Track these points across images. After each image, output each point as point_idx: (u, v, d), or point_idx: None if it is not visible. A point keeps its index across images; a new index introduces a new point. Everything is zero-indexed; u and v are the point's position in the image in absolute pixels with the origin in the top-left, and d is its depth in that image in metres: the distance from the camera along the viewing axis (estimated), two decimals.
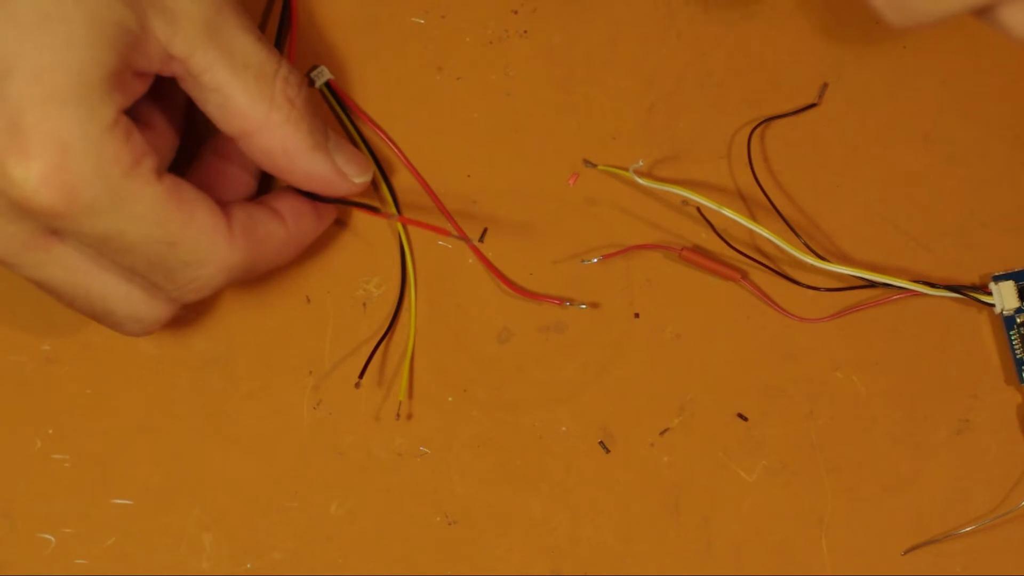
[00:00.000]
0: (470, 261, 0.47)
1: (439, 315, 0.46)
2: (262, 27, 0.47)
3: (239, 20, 0.40)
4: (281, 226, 0.42)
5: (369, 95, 0.47)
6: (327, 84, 0.47)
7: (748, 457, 0.46)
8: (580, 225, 0.47)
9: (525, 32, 0.48)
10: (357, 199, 0.44)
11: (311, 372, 0.46)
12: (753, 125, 0.47)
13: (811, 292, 0.47)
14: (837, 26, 0.48)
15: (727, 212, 0.45)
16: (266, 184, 0.45)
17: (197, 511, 0.45)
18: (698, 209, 0.47)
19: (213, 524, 0.45)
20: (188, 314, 0.45)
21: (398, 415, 0.46)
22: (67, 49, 0.36)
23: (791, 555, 0.46)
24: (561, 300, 0.46)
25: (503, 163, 0.47)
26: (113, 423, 0.45)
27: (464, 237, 0.46)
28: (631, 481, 0.46)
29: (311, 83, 0.47)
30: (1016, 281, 0.46)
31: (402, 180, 0.47)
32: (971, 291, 0.46)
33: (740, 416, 0.46)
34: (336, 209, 0.45)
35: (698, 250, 0.47)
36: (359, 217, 0.46)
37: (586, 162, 0.47)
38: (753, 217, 0.47)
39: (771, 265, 0.47)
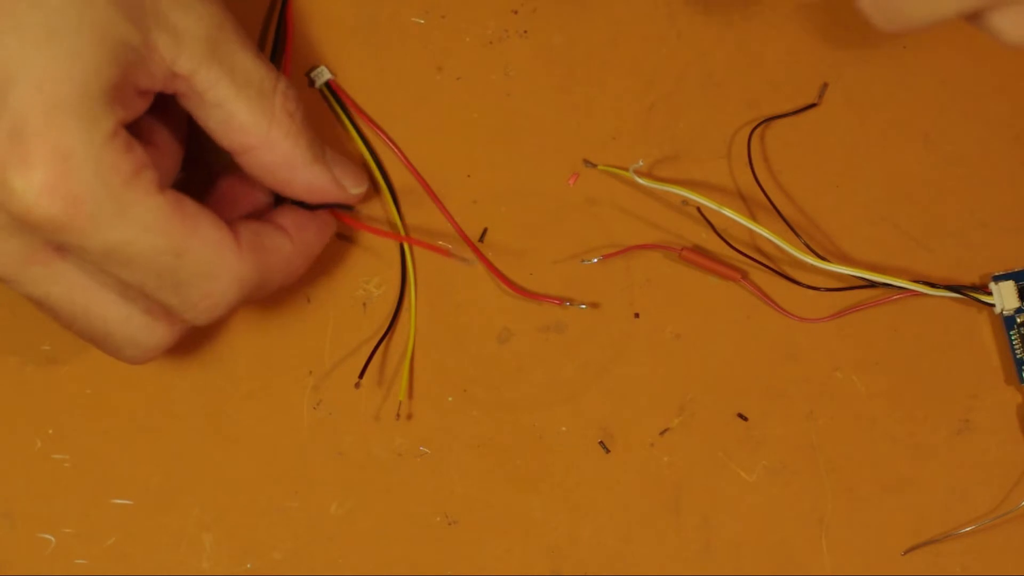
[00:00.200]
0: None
1: (439, 315, 0.46)
2: (260, 32, 0.47)
3: (239, 37, 0.41)
4: (286, 239, 0.42)
5: (369, 95, 0.47)
6: (327, 84, 0.47)
7: (748, 457, 0.46)
8: (580, 225, 0.47)
9: (525, 32, 0.48)
10: (357, 208, 0.45)
11: (311, 372, 0.46)
12: (753, 125, 0.47)
13: (811, 292, 0.47)
14: (837, 26, 0.48)
15: (727, 212, 0.45)
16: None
17: (197, 511, 0.45)
18: (698, 209, 0.47)
19: (213, 524, 0.45)
20: (186, 342, 0.45)
21: (398, 415, 0.46)
22: (70, 61, 0.36)
23: (791, 555, 0.46)
24: (561, 300, 0.46)
25: (503, 163, 0.47)
26: (113, 423, 0.45)
27: (475, 255, 0.46)
28: (631, 481, 0.46)
29: (311, 83, 0.47)
30: (1016, 281, 0.46)
31: (402, 180, 0.47)
32: (971, 291, 0.46)
33: (740, 416, 0.46)
34: (335, 221, 0.45)
35: (698, 250, 0.47)
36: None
37: (586, 162, 0.47)
38: (753, 217, 0.47)
39: (771, 265, 0.47)
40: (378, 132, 0.47)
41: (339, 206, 0.44)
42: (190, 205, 0.39)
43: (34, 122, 0.36)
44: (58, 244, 0.38)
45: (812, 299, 0.47)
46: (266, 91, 0.41)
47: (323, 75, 0.47)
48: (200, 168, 0.44)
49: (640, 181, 0.46)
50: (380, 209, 0.47)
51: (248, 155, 0.42)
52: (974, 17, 0.38)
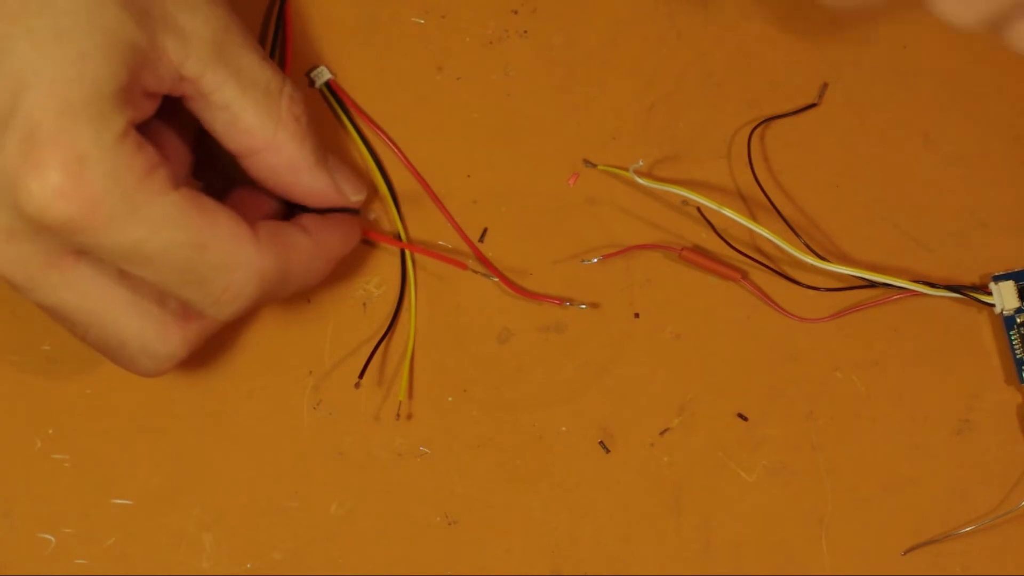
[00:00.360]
0: (470, 261, 0.47)
1: (439, 315, 0.46)
2: (259, 32, 0.47)
3: (246, 39, 0.41)
4: (306, 236, 0.42)
5: (369, 95, 0.47)
6: (327, 84, 0.47)
7: (748, 457, 0.46)
8: (580, 225, 0.47)
9: (525, 32, 0.48)
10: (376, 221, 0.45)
11: (311, 372, 0.46)
12: (753, 125, 0.47)
13: (811, 292, 0.47)
14: (837, 26, 0.48)
15: (727, 212, 0.45)
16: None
17: (197, 511, 0.45)
18: (698, 209, 0.47)
19: (213, 524, 0.45)
20: (199, 354, 0.45)
21: (398, 415, 0.46)
22: (81, 64, 0.36)
23: (791, 555, 0.46)
24: (561, 300, 0.46)
25: (503, 163, 0.47)
26: (113, 423, 0.45)
27: (487, 268, 0.46)
28: (631, 481, 0.46)
29: (311, 83, 0.47)
30: (1016, 281, 0.46)
31: (402, 180, 0.47)
32: (971, 291, 0.46)
33: (740, 416, 0.46)
34: (360, 229, 0.45)
35: (698, 250, 0.47)
36: None
37: (586, 162, 0.47)
38: (753, 217, 0.47)
39: (771, 265, 0.47)
40: (378, 132, 0.47)
41: (343, 211, 0.44)
42: (207, 200, 0.39)
43: (47, 126, 0.36)
44: (76, 247, 0.38)
45: (812, 299, 0.47)
46: (272, 93, 0.41)
47: (323, 75, 0.47)
48: (216, 178, 0.44)
49: (640, 181, 0.46)
50: (381, 209, 0.47)
51: (253, 158, 0.42)
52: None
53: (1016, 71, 0.48)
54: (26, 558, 0.45)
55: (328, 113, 0.47)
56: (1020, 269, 0.47)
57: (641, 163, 0.47)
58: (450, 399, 0.46)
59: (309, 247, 0.42)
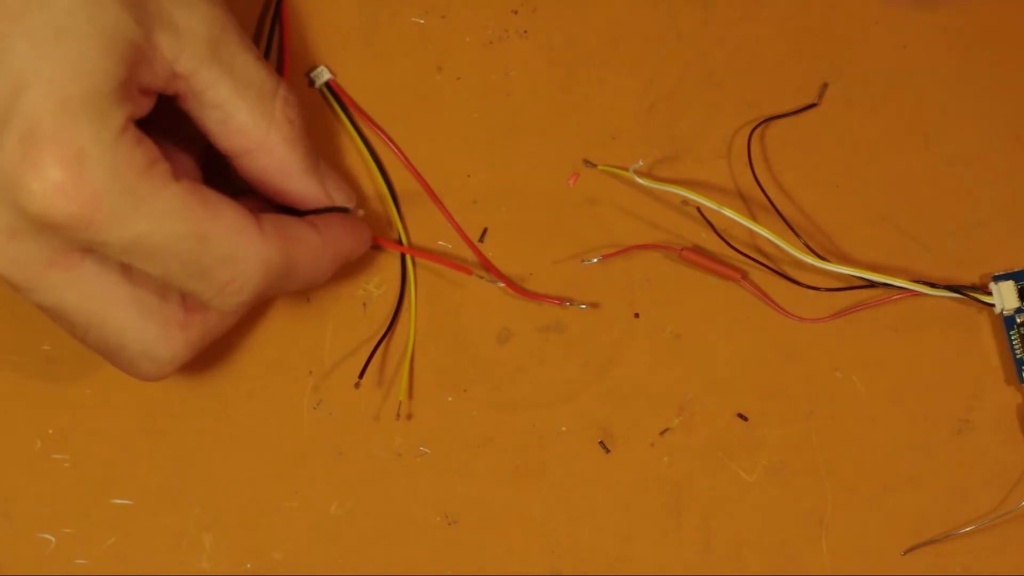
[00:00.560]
0: (470, 261, 0.47)
1: (439, 315, 0.46)
2: (255, 31, 0.47)
3: (241, 39, 0.41)
4: (314, 232, 0.42)
5: (369, 95, 0.47)
6: (327, 84, 0.47)
7: (748, 457, 0.46)
8: (580, 225, 0.47)
9: (525, 32, 0.48)
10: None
11: (311, 372, 0.46)
12: (753, 125, 0.47)
13: (811, 292, 0.47)
14: (837, 26, 0.48)
15: (727, 212, 0.45)
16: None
17: (197, 511, 0.45)
18: (698, 209, 0.47)
19: (213, 524, 0.45)
20: (200, 358, 0.45)
21: (398, 415, 0.46)
22: (79, 61, 0.36)
23: (791, 555, 0.46)
24: (561, 300, 0.46)
25: (503, 163, 0.47)
26: (113, 423, 0.45)
27: (497, 276, 0.46)
28: (631, 481, 0.46)
29: (311, 83, 0.47)
30: (1016, 281, 0.46)
31: (402, 180, 0.47)
32: (971, 291, 0.46)
33: (740, 416, 0.46)
34: (371, 232, 0.45)
35: (698, 250, 0.47)
36: None
37: (586, 162, 0.47)
38: (753, 217, 0.47)
39: (771, 265, 0.47)
40: (378, 132, 0.47)
41: (337, 209, 0.44)
42: (209, 192, 0.39)
43: (46, 125, 0.36)
44: (79, 245, 0.38)
45: (812, 299, 0.47)
46: (266, 95, 0.41)
47: (323, 75, 0.47)
48: (229, 182, 0.44)
49: (640, 181, 0.46)
50: (381, 209, 0.47)
51: (245, 158, 0.42)
52: None
53: (1016, 71, 0.48)
54: (26, 558, 0.45)
55: (328, 113, 0.47)
56: (1020, 269, 0.47)
57: (641, 163, 0.47)
58: (450, 399, 0.46)
59: (316, 242, 0.42)
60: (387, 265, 0.47)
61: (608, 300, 0.47)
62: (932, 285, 0.46)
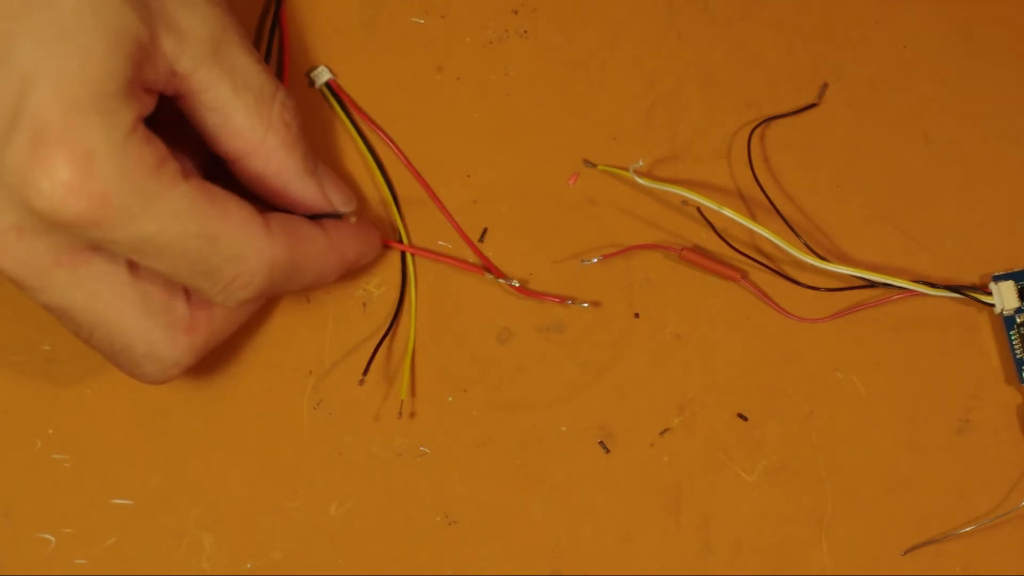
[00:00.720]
0: (470, 261, 0.47)
1: (439, 315, 0.46)
2: (257, 39, 0.47)
3: (242, 42, 0.41)
4: (320, 232, 0.42)
5: (369, 95, 0.47)
6: (327, 84, 0.47)
7: (748, 457, 0.46)
8: (580, 225, 0.47)
9: (525, 32, 0.48)
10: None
11: (311, 372, 0.46)
12: (753, 125, 0.47)
13: (811, 292, 0.47)
14: (837, 26, 0.48)
15: (727, 212, 0.45)
16: None
17: (197, 511, 0.45)
18: (698, 209, 0.47)
19: (213, 524, 0.45)
20: (204, 362, 0.45)
21: (400, 414, 0.46)
22: (86, 59, 0.36)
23: (791, 555, 0.46)
24: (562, 299, 0.46)
25: (503, 163, 0.47)
26: (113, 423, 0.45)
27: (500, 276, 0.46)
28: (631, 481, 0.46)
29: (311, 83, 0.47)
30: (1016, 281, 0.46)
31: (402, 180, 0.47)
32: (971, 291, 0.46)
33: (740, 416, 0.46)
34: (380, 238, 0.45)
35: (698, 250, 0.47)
36: None
37: (586, 162, 0.47)
38: (753, 217, 0.47)
39: (771, 265, 0.47)
40: (378, 132, 0.47)
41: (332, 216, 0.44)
42: (217, 191, 0.39)
43: (55, 123, 0.36)
44: (87, 244, 0.38)
45: (812, 299, 0.47)
46: (265, 98, 0.41)
47: (323, 75, 0.47)
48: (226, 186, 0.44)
49: (640, 181, 0.46)
50: (382, 209, 0.47)
51: (242, 161, 0.42)
52: None
53: (1016, 71, 0.48)
54: (26, 558, 0.45)
55: (328, 113, 0.47)
56: (1020, 269, 0.47)
57: (641, 163, 0.47)
58: (450, 399, 0.46)
59: (323, 243, 0.42)
60: (387, 265, 0.47)
61: (608, 300, 0.47)
62: (932, 285, 0.46)
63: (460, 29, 0.48)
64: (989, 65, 0.48)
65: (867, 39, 0.48)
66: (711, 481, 0.46)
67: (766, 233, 0.45)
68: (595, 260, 0.47)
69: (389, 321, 0.46)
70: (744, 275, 0.47)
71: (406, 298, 0.46)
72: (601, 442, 0.46)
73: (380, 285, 0.47)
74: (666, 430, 0.46)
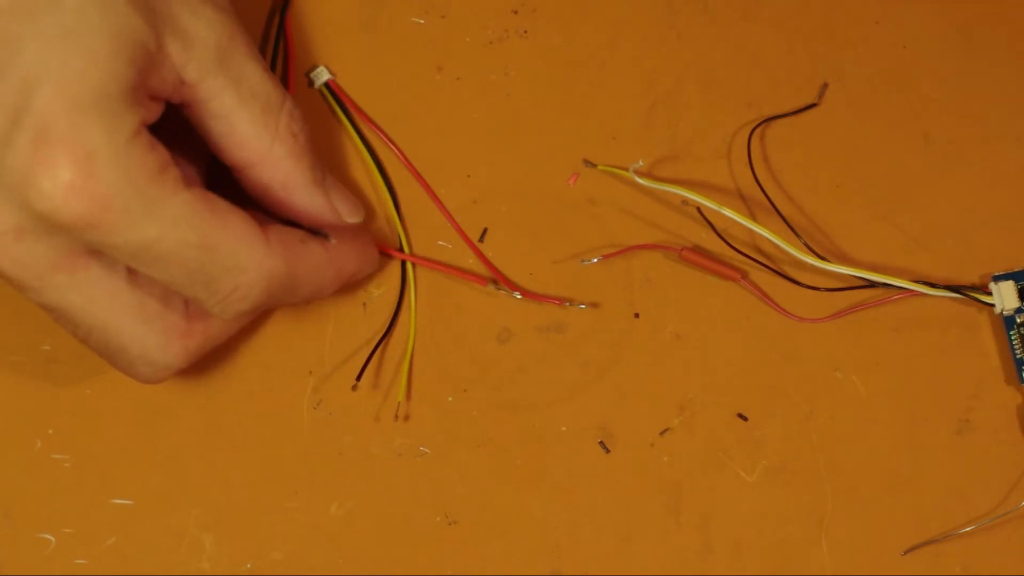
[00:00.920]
0: (470, 261, 0.47)
1: (439, 315, 0.46)
2: (261, 49, 0.47)
3: (249, 51, 0.41)
4: (319, 246, 0.42)
5: (369, 95, 0.47)
6: (327, 84, 0.47)
7: (748, 457, 0.46)
8: (580, 225, 0.47)
9: (525, 32, 0.48)
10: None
11: (311, 372, 0.46)
12: (753, 125, 0.47)
13: (811, 292, 0.47)
14: (837, 26, 0.48)
15: (727, 212, 0.45)
16: None
17: (197, 511, 0.45)
18: (698, 209, 0.47)
19: (213, 524, 0.45)
20: (200, 359, 0.45)
21: (397, 415, 0.46)
22: (91, 62, 0.36)
23: (791, 555, 0.46)
24: (561, 300, 0.46)
25: (503, 163, 0.47)
26: (113, 423, 0.45)
27: (508, 286, 0.46)
28: (631, 481, 0.46)
29: (311, 83, 0.47)
30: (1016, 281, 0.46)
31: (402, 180, 0.47)
32: (971, 291, 0.46)
33: (740, 416, 0.46)
34: (378, 253, 0.45)
35: (698, 250, 0.47)
36: None
37: (586, 162, 0.47)
38: (753, 217, 0.47)
39: (771, 265, 0.47)
40: (378, 132, 0.47)
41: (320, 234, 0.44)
42: (218, 201, 0.39)
43: (58, 123, 0.36)
44: (86, 246, 0.38)
45: (812, 299, 0.47)
46: (272, 108, 0.41)
47: (323, 75, 0.47)
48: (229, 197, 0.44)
49: (640, 181, 0.46)
50: (383, 219, 0.47)
51: (248, 171, 0.41)
52: None
53: (1016, 71, 0.48)
54: (26, 558, 0.45)
55: (328, 113, 0.47)
56: (1020, 269, 0.47)
57: (641, 163, 0.47)
58: (450, 399, 0.46)
59: (321, 256, 0.42)
60: (387, 265, 0.47)
61: (608, 300, 0.47)
62: (932, 285, 0.46)
63: (460, 29, 0.48)
64: (989, 65, 0.48)
65: (867, 39, 0.48)
66: (711, 481, 0.46)
67: (766, 233, 0.45)
68: (595, 260, 0.47)
69: (389, 321, 0.46)
70: (744, 275, 0.47)
71: (406, 298, 0.46)
72: (601, 442, 0.46)
73: (380, 285, 0.47)
74: (666, 430, 0.46)
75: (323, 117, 0.47)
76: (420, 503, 0.46)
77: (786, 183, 0.47)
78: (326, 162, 0.44)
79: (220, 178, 0.43)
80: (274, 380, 0.46)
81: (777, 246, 0.46)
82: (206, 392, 0.46)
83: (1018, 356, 0.46)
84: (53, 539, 0.45)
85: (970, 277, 0.47)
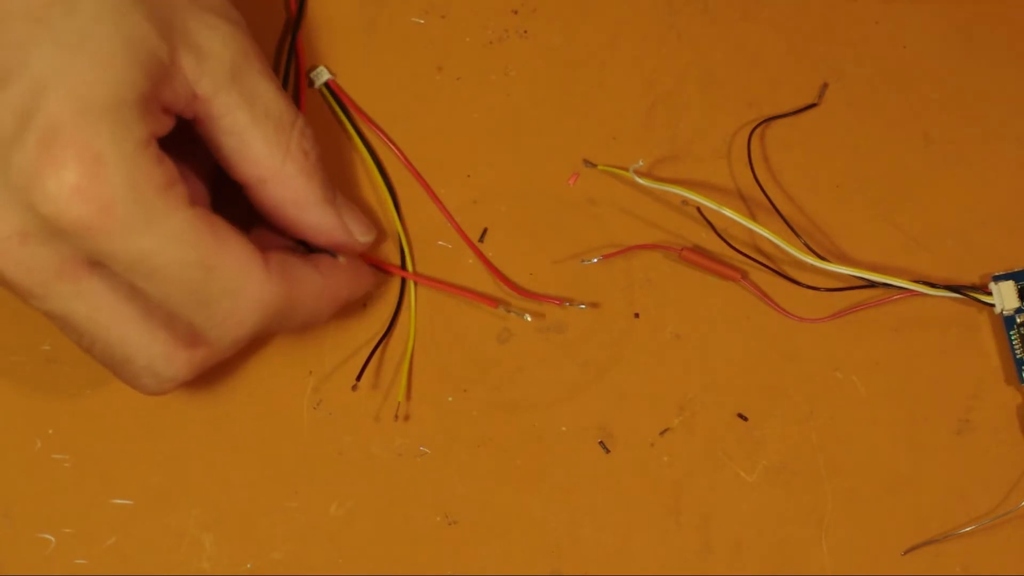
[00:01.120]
0: (470, 261, 0.47)
1: (439, 315, 0.46)
2: (274, 64, 0.47)
3: (263, 68, 0.41)
4: (316, 274, 0.42)
5: (369, 95, 0.47)
6: (327, 84, 0.47)
7: (748, 457, 0.46)
8: (580, 225, 0.47)
9: (525, 32, 0.48)
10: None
11: (311, 372, 0.46)
12: (753, 125, 0.47)
13: (811, 292, 0.47)
14: (837, 26, 0.48)
15: (727, 212, 0.45)
16: None
17: (197, 511, 0.45)
18: (698, 209, 0.47)
19: (213, 524, 0.45)
20: (201, 379, 0.45)
21: (397, 415, 0.46)
22: (104, 68, 0.36)
23: (791, 555, 0.46)
24: (561, 300, 0.46)
25: (503, 163, 0.47)
26: (113, 423, 0.45)
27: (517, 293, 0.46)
28: (631, 481, 0.46)
29: (311, 83, 0.47)
30: (1016, 281, 0.46)
31: (402, 180, 0.47)
32: (971, 291, 0.46)
33: (740, 416, 0.46)
34: (373, 276, 0.45)
35: (698, 250, 0.47)
36: None
37: (586, 162, 0.47)
38: (753, 217, 0.47)
39: (771, 265, 0.47)
40: (378, 132, 0.47)
41: (328, 252, 0.44)
42: (221, 223, 0.39)
43: (67, 125, 0.36)
44: (87, 255, 0.38)
45: (812, 299, 0.47)
46: (284, 126, 0.41)
47: (323, 75, 0.47)
48: (236, 213, 0.44)
49: (640, 181, 0.46)
50: (381, 210, 0.47)
51: (259, 189, 0.41)
52: None
53: (1016, 71, 0.48)
54: (26, 558, 0.45)
55: (328, 113, 0.47)
56: (1020, 269, 0.47)
57: (641, 163, 0.47)
58: (450, 399, 0.46)
59: (318, 284, 0.42)
60: (389, 280, 0.47)
61: (608, 300, 0.47)
62: (932, 285, 0.46)
63: (460, 29, 0.48)
64: (989, 65, 0.48)
65: (867, 39, 0.48)
66: (711, 481, 0.46)
67: (766, 233, 0.45)
68: (595, 260, 0.47)
69: (389, 321, 0.46)
70: (744, 275, 0.47)
71: (406, 298, 0.46)
72: (601, 442, 0.46)
73: (380, 285, 0.47)
74: (666, 430, 0.46)
75: (323, 117, 0.47)
76: (420, 503, 0.46)
77: (786, 183, 0.47)
78: (326, 161, 0.44)
79: (225, 199, 0.43)
80: (274, 380, 0.46)
81: (777, 246, 0.46)
82: (206, 392, 0.46)
83: (1018, 356, 0.46)
84: (53, 539, 0.45)
85: (970, 277, 0.47)
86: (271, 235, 0.43)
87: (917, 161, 0.48)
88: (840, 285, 0.47)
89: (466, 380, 0.46)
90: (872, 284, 0.46)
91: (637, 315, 0.47)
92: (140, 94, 0.37)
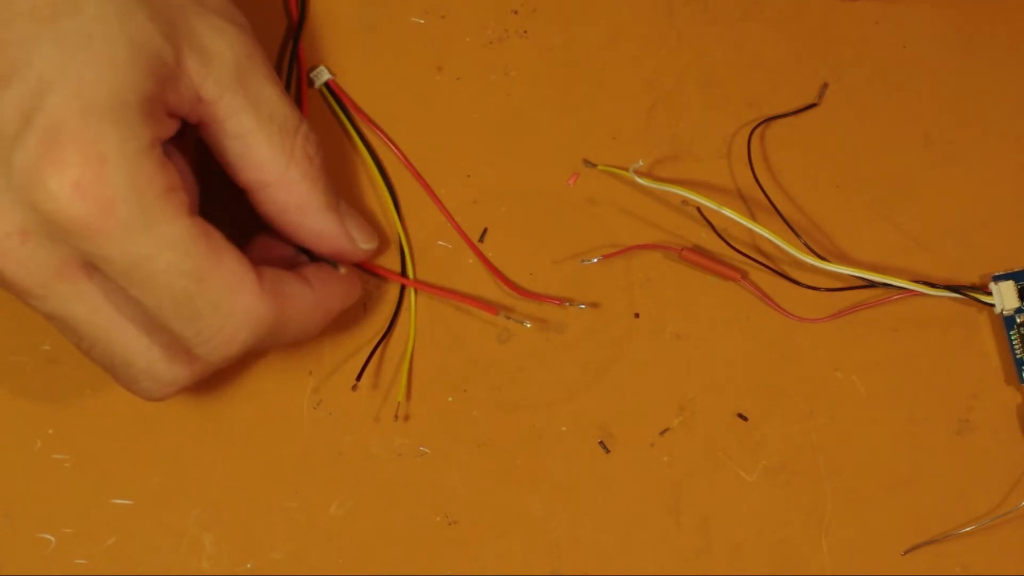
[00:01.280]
0: (470, 261, 0.47)
1: (439, 315, 0.46)
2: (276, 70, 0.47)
3: (268, 71, 0.41)
4: (309, 289, 0.41)
5: (369, 95, 0.47)
6: (327, 84, 0.47)
7: (748, 457, 0.46)
8: (580, 225, 0.47)
9: (525, 32, 0.48)
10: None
11: (311, 372, 0.46)
12: (753, 125, 0.47)
13: (811, 292, 0.47)
14: (837, 26, 0.48)
15: (727, 212, 0.45)
16: None
17: (197, 511, 0.45)
18: (698, 209, 0.47)
19: (213, 524, 0.45)
20: (200, 385, 0.45)
21: (397, 415, 0.46)
22: (108, 68, 0.36)
23: (791, 555, 0.46)
24: (561, 300, 0.46)
25: (503, 163, 0.47)
26: (113, 423, 0.45)
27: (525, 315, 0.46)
28: (631, 481, 0.46)
29: (311, 83, 0.47)
30: (1016, 281, 0.46)
31: (402, 180, 0.47)
32: (971, 291, 0.46)
33: (740, 416, 0.46)
34: (361, 285, 0.45)
35: (698, 250, 0.47)
36: None
37: (586, 162, 0.47)
38: (753, 217, 0.47)
39: (771, 265, 0.47)
40: (378, 132, 0.47)
41: (328, 262, 0.44)
42: (217, 235, 0.38)
43: (70, 124, 0.36)
44: (85, 256, 0.38)
45: (812, 299, 0.47)
46: (288, 130, 0.41)
47: (323, 75, 0.47)
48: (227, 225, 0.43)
49: (640, 181, 0.46)
50: (381, 210, 0.47)
51: (262, 193, 0.41)
52: None
53: (1016, 71, 0.48)
54: (26, 558, 0.45)
55: (328, 113, 0.47)
56: (1020, 269, 0.47)
57: (641, 163, 0.47)
58: (450, 399, 0.46)
59: (310, 300, 0.41)
60: (387, 266, 0.47)
61: (608, 300, 0.47)
62: (932, 285, 0.46)
63: (460, 29, 0.48)
64: (989, 65, 0.48)
65: (867, 39, 0.48)
66: (711, 481, 0.46)
67: (766, 233, 0.45)
68: (595, 260, 0.47)
69: (389, 321, 0.46)
70: (744, 275, 0.47)
71: (406, 298, 0.46)
72: (601, 442, 0.46)
73: (380, 285, 0.47)
74: (666, 430, 0.46)
75: (323, 118, 0.47)
76: (420, 503, 0.46)
77: (786, 183, 0.47)
78: (327, 163, 0.44)
79: (226, 205, 0.43)
80: (274, 380, 0.46)
81: (777, 246, 0.46)
82: (206, 392, 0.46)
83: (1018, 356, 0.46)
84: (53, 539, 0.45)
85: (970, 277, 0.47)
86: (272, 242, 0.43)
87: (917, 161, 0.48)
88: (840, 285, 0.47)
89: (466, 380, 0.46)
90: (872, 284, 0.46)
91: (637, 315, 0.47)
92: (144, 95, 0.37)
